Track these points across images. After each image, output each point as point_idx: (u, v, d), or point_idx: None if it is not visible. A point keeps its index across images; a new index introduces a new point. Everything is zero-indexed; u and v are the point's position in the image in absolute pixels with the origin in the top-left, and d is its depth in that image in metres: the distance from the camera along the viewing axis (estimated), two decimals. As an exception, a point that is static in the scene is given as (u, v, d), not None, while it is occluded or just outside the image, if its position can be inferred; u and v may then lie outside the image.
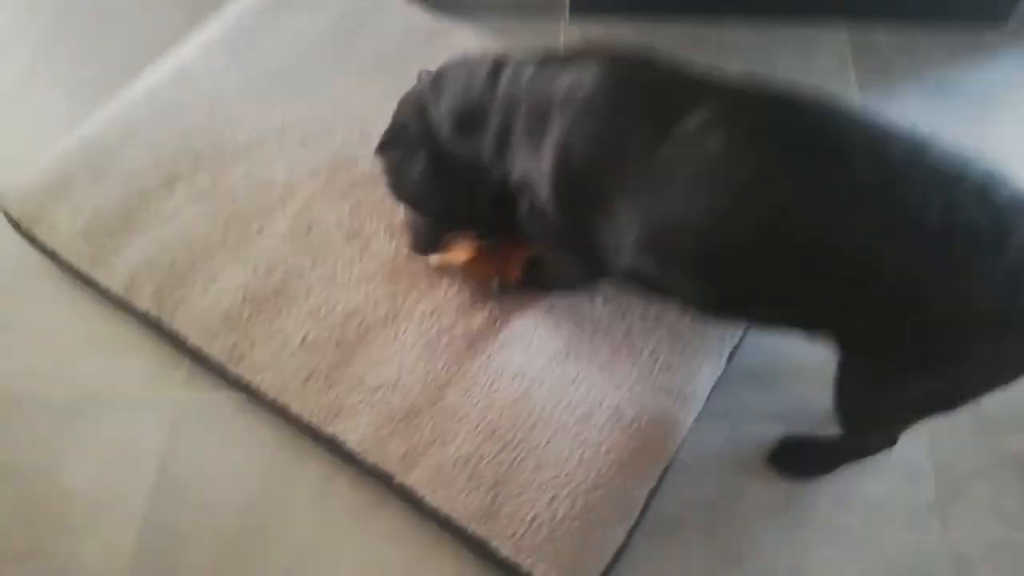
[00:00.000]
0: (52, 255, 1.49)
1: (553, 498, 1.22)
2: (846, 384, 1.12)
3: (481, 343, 1.35)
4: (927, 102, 1.91)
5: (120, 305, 1.45)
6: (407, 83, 1.64)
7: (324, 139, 1.58)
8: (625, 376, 1.31)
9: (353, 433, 1.29)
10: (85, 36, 2.03)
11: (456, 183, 1.25)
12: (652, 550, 1.31)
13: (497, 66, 1.18)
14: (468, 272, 1.40)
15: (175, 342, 1.41)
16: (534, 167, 1.12)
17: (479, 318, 1.37)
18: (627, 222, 1.04)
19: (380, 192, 1.51)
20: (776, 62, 1.98)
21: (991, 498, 1.40)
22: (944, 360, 0.96)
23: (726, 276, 1.04)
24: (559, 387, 1.30)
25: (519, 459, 1.25)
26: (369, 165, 1.54)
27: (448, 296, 1.40)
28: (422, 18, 1.79)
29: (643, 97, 1.05)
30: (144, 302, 1.41)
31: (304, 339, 1.36)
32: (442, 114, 1.23)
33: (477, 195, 1.25)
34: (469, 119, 1.19)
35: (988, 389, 1.00)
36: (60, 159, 1.54)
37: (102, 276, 1.44)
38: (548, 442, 1.26)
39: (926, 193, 0.90)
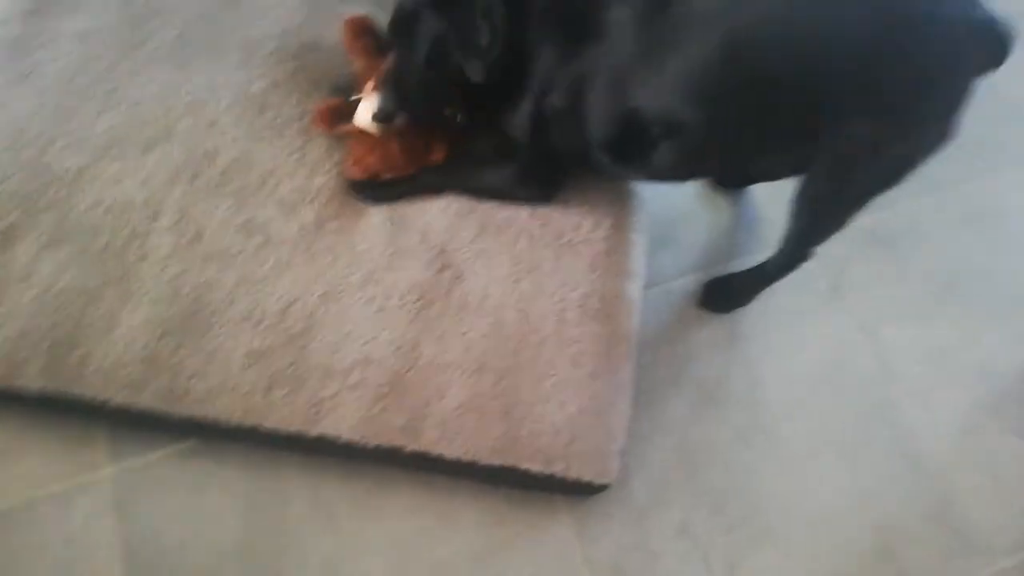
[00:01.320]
0: None
1: (562, 403, 1.26)
2: (814, 194, 1.25)
3: (430, 292, 1.32)
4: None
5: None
6: (224, 56, 1.51)
7: (168, 139, 1.40)
8: (577, 272, 1.35)
9: (344, 424, 1.22)
10: None
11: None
12: (637, 413, 1.40)
13: None
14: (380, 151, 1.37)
15: (90, 411, 1.23)
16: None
17: (415, 267, 1.34)
18: (638, 76, 1.16)
19: (257, 173, 1.39)
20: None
21: (868, 268, 1.67)
22: (902, 125, 1.12)
23: (730, 105, 1.14)
24: (524, 304, 1.32)
25: (517, 382, 1.26)
26: (234, 151, 1.40)
27: (375, 256, 1.34)
28: (208, -17, 1.61)
29: None
30: (35, 381, 1.20)
31: (249, 349, 1.24)
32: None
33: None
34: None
35: (926, 152, 1.16)
36: None
37: (-31, 370, 1.19)
38: (536, 357, 1.28)
39: None
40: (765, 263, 1.49)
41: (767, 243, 1.52)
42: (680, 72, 1.13)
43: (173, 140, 1.40)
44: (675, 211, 1.67)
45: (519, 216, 1.40)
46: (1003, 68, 1.10)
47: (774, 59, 1.08)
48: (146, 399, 1.21)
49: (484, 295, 1.32)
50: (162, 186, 1.35)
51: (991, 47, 1.08)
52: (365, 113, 1.31)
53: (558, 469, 1.23)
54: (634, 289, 1.39)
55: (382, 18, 1.42)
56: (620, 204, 1.43)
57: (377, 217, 1.38)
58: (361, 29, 1.46)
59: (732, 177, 1.68)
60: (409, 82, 1.30)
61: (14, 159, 1.34)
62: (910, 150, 1.15)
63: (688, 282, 1.62)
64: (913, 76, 1.07)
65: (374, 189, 1.40)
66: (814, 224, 1.34)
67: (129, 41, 1.51)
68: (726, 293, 1.57)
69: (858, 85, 1.08)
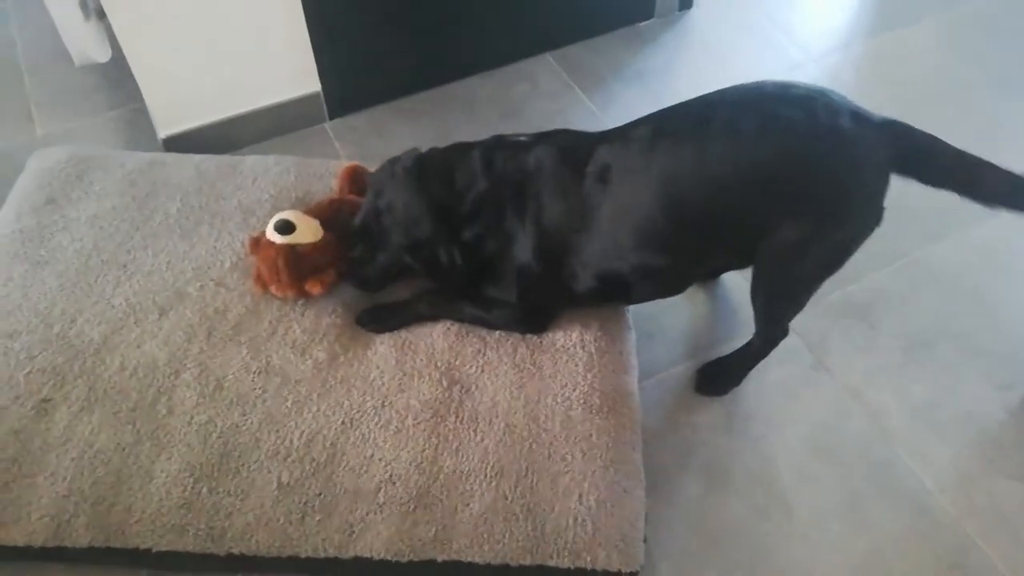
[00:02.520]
0: (-70, 549, 1.25)
1: (579, 496, 1.32)
2: (764, 284, 1.41)
3: (442, 408, 1.40)
4: (629, 84, 2.35)
5: (46, 557, 1.26)
6: (224, 221, 1.66)
7: (181, 301, 1.52)
8: (575, 374, 1.45)
9: (377, 543, 1.27)
10: None
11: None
12: (653, 500, 1.46)
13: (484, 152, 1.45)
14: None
15: (134, 559, 1.27)
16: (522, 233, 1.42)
17: (426, 387, 1.43)
18: (603, 246, 1.37)
19: (267, 322, 1.50)
20: (513, 94, 2.29)
21: (846, 339, 1.78)
22: (821, 224, 1.27)
23: (683, 243, 1.35)
24: (530, 409, 1.40)
25: (535, 482, 1.33)
26: (242, 305, 1.52)
27: (386, 381, 1.43)
28: (206, 160, 1.79)
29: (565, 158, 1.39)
30: (82, 537, 1.25)
31: (279, 482, 1.30)
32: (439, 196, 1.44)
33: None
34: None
35: (856, 239, 1.32)
36: None
37: (16, 536, 1.24)
38: (549, 455, 1.35)
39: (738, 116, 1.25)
40: (748, 344, 1.60)
41: (747, 326, 1.62)
42: (637, 233, 1.35)
43: (186, 302, 1.52)
44: (658, 306, 1.78)
45: (514, 335, 1.51)
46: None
47: (701, 199, 1.28)
48: (187, 542, 1.26)
49: (493, 404, 1.40)
50: (181, 344, 1.45)
51: (896, 146, 1.25)
52: (270, 224, 1.51)
53: (586, 561, 1.28)
54: (631, 382, 1.48)
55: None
56: (607, 306, 1.55)
57: (384, 346, 1.48)
58: (355, 176, 1.62)
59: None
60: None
61: (43, 336, 1.44)
62: (838, 241, 1.32)
63: (681, 371, 1.71)
64: (820, 185, 1.24)
65: (375, 319, 1.53)
66: (772, 308, 1.48)
67: (136, 219, 1.66)
68: (718, 376, 1.67)
69: (774, 201, 1.26)
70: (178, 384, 1.40)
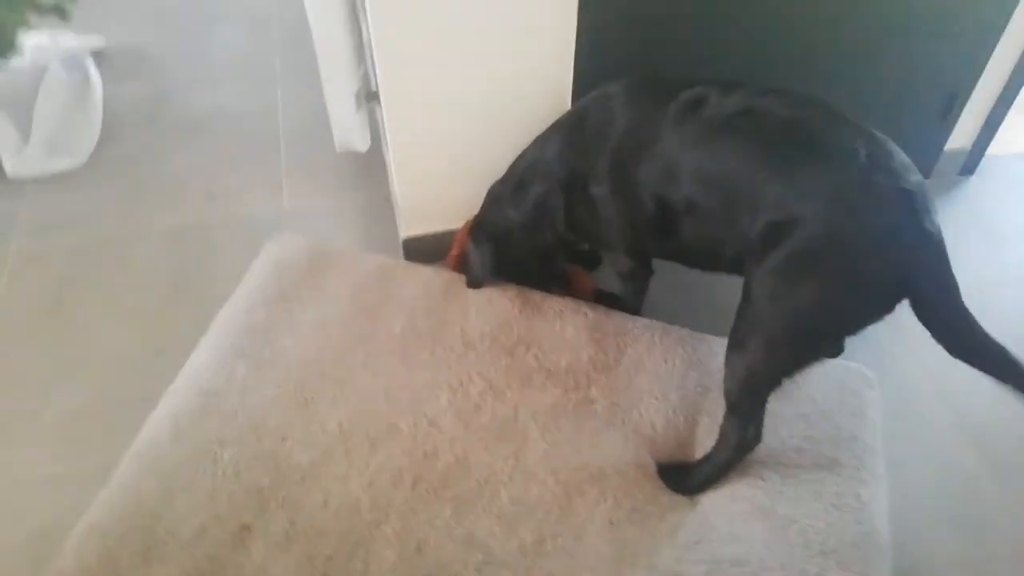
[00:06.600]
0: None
1: None
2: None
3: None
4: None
5: None
6: (446, 350, 1.57)
7: (391, 436, 1.42)
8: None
9: None
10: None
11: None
12: None
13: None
14: None
15: None
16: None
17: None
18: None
19: (474, 480, 1.38)
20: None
21: None
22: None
23: None
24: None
25: None
26: (452, 454, 1.41)
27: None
28: (435, 276, 1.73)
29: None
30: None
31: None
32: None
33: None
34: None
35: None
36: (91, 539, 1.25)
37: None
38: None
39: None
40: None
41: None
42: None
43: (396, 438, 1.43)
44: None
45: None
46: None
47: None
48: None
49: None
50: (386, 488, 1.35)
51: None
52: None
53: None
54: None
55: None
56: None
57: (599, 539, 1.31)
58: None
59: None
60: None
61: (253, 451, 1.38)
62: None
63: None
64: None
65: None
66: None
67: (360, 332, 1.60)
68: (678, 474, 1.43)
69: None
70: (378, 536, 1.29)
